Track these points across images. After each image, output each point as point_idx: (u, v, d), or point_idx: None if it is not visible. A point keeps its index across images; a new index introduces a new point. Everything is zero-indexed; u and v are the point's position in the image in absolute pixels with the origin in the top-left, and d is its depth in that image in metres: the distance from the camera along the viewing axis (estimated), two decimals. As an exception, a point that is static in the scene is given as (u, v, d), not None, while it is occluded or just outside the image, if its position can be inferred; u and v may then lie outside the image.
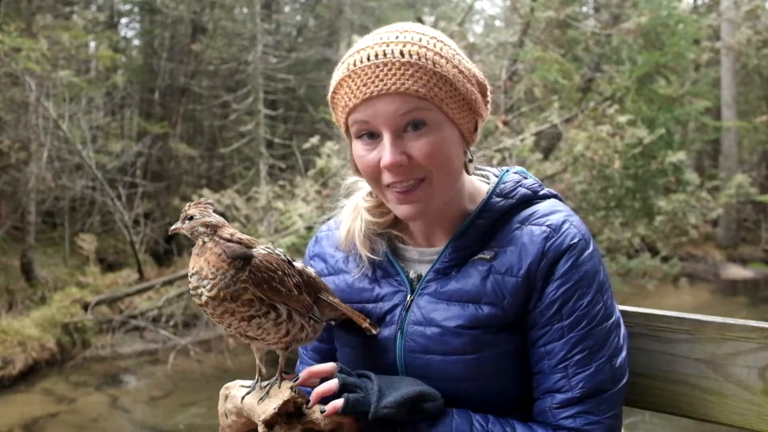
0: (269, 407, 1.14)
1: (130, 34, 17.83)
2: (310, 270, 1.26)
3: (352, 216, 1.35)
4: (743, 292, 14.83)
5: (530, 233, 1.21)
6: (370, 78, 1.15)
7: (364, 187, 1.37)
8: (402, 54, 1.15)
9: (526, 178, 1.32)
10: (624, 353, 1.20)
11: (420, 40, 1.18)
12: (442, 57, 1.18)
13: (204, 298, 1.12)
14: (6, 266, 10.87)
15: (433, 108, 1.17)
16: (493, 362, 1.19)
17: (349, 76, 1.17)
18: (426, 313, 1.23)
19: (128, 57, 16.44)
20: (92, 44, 12.83)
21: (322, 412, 1.13)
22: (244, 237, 1.17)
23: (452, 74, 1.18)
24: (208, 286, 1.11)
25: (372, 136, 1.19)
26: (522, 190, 1.28)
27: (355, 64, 1.17)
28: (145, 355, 9.24)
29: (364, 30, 13.95)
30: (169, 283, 10.49)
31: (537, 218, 1.23)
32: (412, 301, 1.26)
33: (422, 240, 1.32)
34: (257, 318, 1.14)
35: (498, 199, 1.27)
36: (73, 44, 10.63)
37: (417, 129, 1.17)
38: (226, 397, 1.24)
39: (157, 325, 9.53)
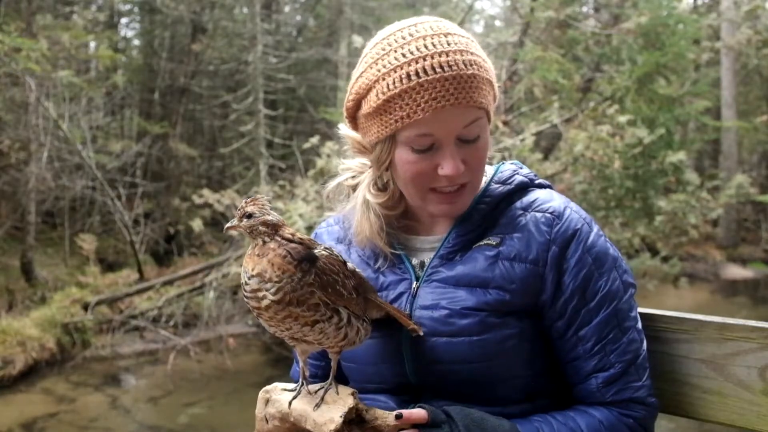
0: (335, 415, 1.09)
1: (130, 34, 17.86)
2: (360, 271, 1.24)
3: (365, 213, 1.34)
4: (743, 292, 14.82)
5: (535, 220, 1.25)
6: (440, 92, 1.15)
7: (360, 183, 1.36)
8: (465, 65, 1.17)
9: (521, 168, 1.37)
10: (637, 308, 1.27)
11: (467, 45, 1.21)
12: (484, 60, 1.22)
13: (266, 302, 1.07)
14: (6, 266, 10.87)
15: (484, 114, 1.22)
16: (499, 344, 1.20)
17: (413, 88, 1.16)
18: (434, 298, 1.25)
19: (128, 57, 16.42)
20: (92, 44, 12.82)
21: (398, 417, 1.10)
22: (305, 237, 1.13)
23: (492, 76, 1.23)
24: (273, 290, 1.06)
25: (423, 143, 1.20)
26: (519, 177, 1.33)
27: (419, 75, 1.16)
28: (145, 355, 9.23)
29: (364, 30, 13.96)
30: (169, 283, 10.49)
31: (539, 205, 1.27)
32: (418, 287, 1.27)
33: (427, 228, 1.34)
34: (321, 323, 1.10)
35: (497, 186, 1.31)
36: (73, 44, 10.62)
37: (471, 137, 1.21)
38: (267, 401, 1.19)
39: (157, 325, 9.53)
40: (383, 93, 1.19)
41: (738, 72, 17.40)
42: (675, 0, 10.00)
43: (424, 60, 1.17)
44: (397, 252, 1.32)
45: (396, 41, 1.21)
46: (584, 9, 13.03)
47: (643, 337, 1.25)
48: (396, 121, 1.19)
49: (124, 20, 17.12)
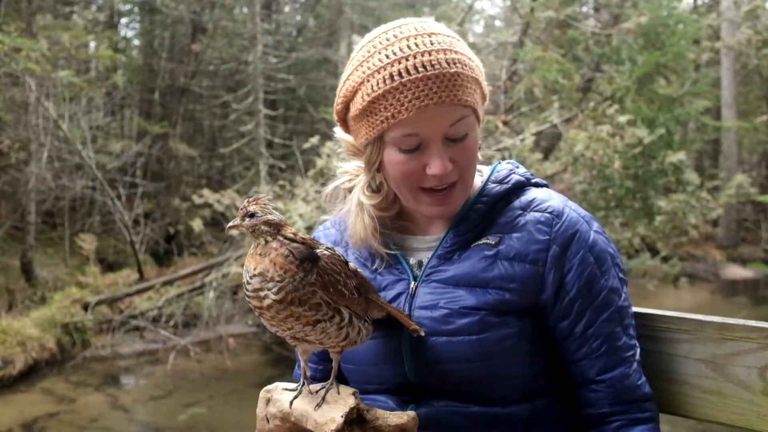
0: (336, 415, 1.09)
1: (130, 34, 17.86)
2: (361, 271, 1.24)
3: (359, 215, 1.35)
4: (743, 292, 14.82)
5: (534, 220, 1.25)
6: (423, 91, 1.16)
7: (356, 186, 1.37)
8: (448, 63, 1.18)
9: (518, 167, 1.37)
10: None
11: (451, 44, 1.21)
12: (470, 59, 1.22)
13: (268, 302, 1.07)
14: (6, 266, 10.87)
15: (471, 113, 1.21)
16: (499, 343, 1.20)
17: (396, 88, 1.17)
18: (432, 298, 1.24)
19: (128, 57, 16.42)
20: (92, 44, 12.82)
21: None
22: (307, 237, 1.13)
23: (479, 74, 1.23)
24: (275, 289, 1.06)
25: (410, 143, 1.20)
26: (516, 177, 1.33)
27: (401, 75, 1.17)
28: (145, 355, 9.23)
29: (364, 30, 13.95)
30: (169, 283, 10.49)
31: (538, 204, 1.27)
32: (417, 287, 1.27)
33: (423, 228, 1.34)
34: (323, 322, 1.10)
35: (493, 185, 1.31)
36: (73, 44, 10.62)
37: (458, 136, 1.21)
38: (268, 400, 1.18)
39: (157, 325, 9.53)
40: (368, 95, 1.19)
41: (738, 72, 17.39)
42: (675, 0, 10.00)
43: (407, 60, 1.17)
44: (392, 252, 1.32)
45: (380, 43, 1.21)
46: (584, 9, 13.03)
47: (636, 333, 1.27)
48: (382, 122, 1.19)
49: (124, 20, 17.13)
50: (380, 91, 1.18)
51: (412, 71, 1.17)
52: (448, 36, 1.22)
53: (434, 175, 1.19)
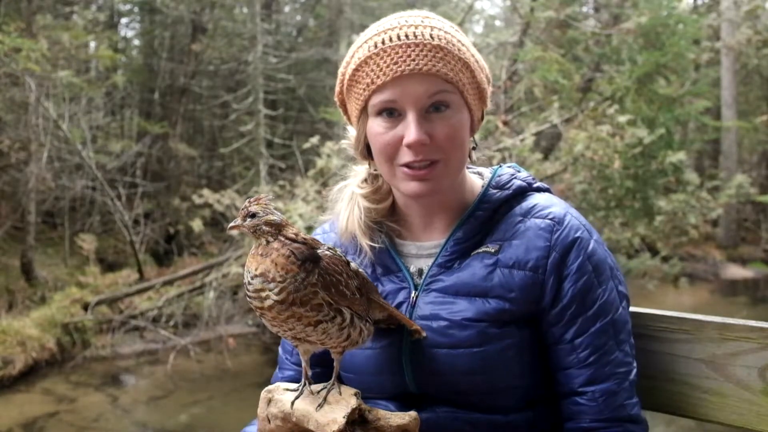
0: (337, 416, 1.08)
1: (130, 34, 17.83)
2: (362, 271, 1.23)
3: (349, 205, 1.34)
4: (743, 292, 14.81)
5: (535, 226, 1.23)
6: (401, 57, 1.16)
7: (352, 182, 1.37)
8: (432, 37, 1.18)
9: (519, 171, 1.35)
10: (630, 322, 1.26)
11: (443, 26, 1.22)
12: (463, 45, 1.22)
13: (269, 302, 1.06)
14: (6, 266, 10.86)
15: (456, 92, 1.20)
16: (500, 355, 1.19)
17: (377, 54, 1.18)
18: (432, 308, 1.23)
19: (128, 57, 16.41)
20: (92, 44, 12.81)
21: None
22: (308, 237, 1.13)
23: (472, 62, 1.23)
24: (276, 290, 1.05)
25: (392, 114, 1.20)
26: (517, 182, 1.31)
27: (383, 43, 1.18)
28: (145, 355, 9.23)
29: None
30: (169, 283, 10.49)
31: (539, 211, 1.25)
32: (417, 296, 1.26)
33: (420, 232, 1.32)
34: (324, 323, 1.09)
35: (495, 191, 1.29)
36: (73, 44, 10.61)
37: (439, 111, 1.19)
38: (269, 400, 1.18)
39: (157, 325, 9.52)
40: (354, 63, 1.22)
41: (738, 72, 17.38)
42: (675, 0, 10.00)
43: (392, 31, 1.19)
44: (375, 245, 1.30)
45: (375, 23, 1.24)
46: (584, 9, 13.02)
47: (635, 353, 1.23)
48: (363, 89, 1.20)
49: (124, 20, 17.11)
50: (363, 58, 1.20)
51: (394, 39, 1.18)
52: (446, 23, 1.23)
53: (409, 144, 1.18)
